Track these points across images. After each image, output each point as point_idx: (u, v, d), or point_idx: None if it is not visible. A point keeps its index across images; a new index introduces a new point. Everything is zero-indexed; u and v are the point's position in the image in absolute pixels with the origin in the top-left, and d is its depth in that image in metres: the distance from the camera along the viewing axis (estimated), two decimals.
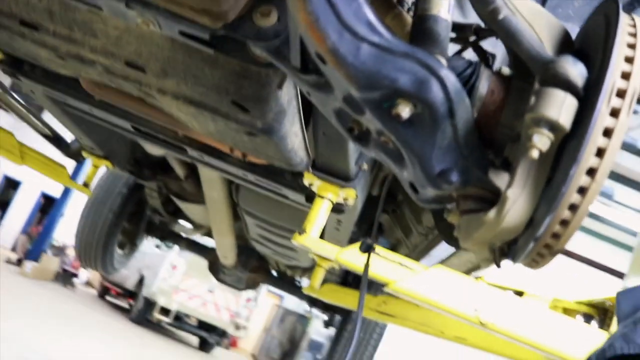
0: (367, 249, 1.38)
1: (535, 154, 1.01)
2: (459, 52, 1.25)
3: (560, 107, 1.00)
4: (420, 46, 1.10)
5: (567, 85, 1.01)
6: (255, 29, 1.39)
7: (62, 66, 2.16)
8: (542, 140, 1.00)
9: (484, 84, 1.15)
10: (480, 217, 1.09)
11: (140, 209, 6.58)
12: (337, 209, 2.66)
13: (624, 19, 1.06)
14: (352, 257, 2.26)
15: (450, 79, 1.05)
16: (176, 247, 10.47)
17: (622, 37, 1.03)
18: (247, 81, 1.66)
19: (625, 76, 1.01)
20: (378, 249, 2.42)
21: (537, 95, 1.02)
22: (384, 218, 4.14)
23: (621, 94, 1.01)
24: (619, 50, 1.02)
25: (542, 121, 1.01)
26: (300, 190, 2.66)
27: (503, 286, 2.65)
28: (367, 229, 3.84)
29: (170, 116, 2.38)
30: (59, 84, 2.68)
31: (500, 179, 1.08)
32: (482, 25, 1.39)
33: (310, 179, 2.44)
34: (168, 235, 7.22)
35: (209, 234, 7.20)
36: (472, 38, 1.35)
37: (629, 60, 1.03)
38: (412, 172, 1.15)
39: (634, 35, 1.06)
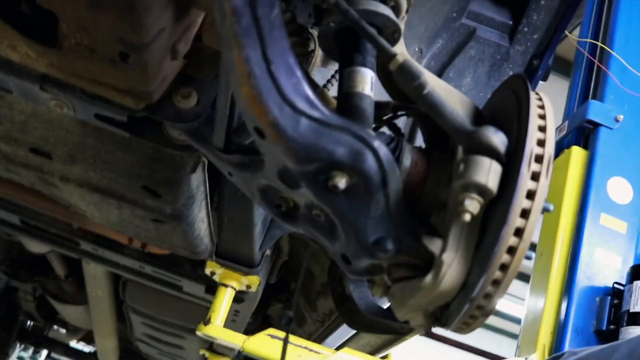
0: (288, 322, 1.37)
1: (467, 217, 1.06)
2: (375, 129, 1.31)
3: (488, 172, 1.07)
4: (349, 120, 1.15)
5: (491, 152, 1.09)
6: (174, 110, 1.40)
7: None
8: (472, 205, 1.06)
9: (407, 157, 1.20)
10: (415, 282, 1.12)
11: (12, 314, 6.21)
12: (238, 298, 2.64)
13: (532, 93, 1.17)
14: (259, 345, 2.24)
15: (383, 151, 1.10)
16: (42, 358, 9.89)
17: (534, 108, 1.12)
18: (161, 165, 1.66)
19: (541, 143, 1.10)
20: (283, 334, 2.41)
21: (465, 163, 1.09)
22: (273, 308, 4.13)
23: (539, 159, 1.09)
24: (534, 120, 1.11)
25: (472, 186, 1.07)
26: (200, 280, 2.63)
27: None
28: (262, 319, 3.80)
29: (66, 207, 2.32)
30: None
31: (432, 245, 1.12)
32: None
33: (212, 267, 2.42)
34: (42, 342, 6.82)
35: (84, 338, 6.87)
36: (386, 116, 1.43)
37: (542, 129, 1.12)
38: (345, 244, 1.18)
39: (542, 107, 1.16)
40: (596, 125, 4.19)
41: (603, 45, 4.40)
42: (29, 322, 6.70)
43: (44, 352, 8.70)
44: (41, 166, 1.86)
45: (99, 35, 1.16)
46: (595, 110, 4.21)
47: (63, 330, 6.86)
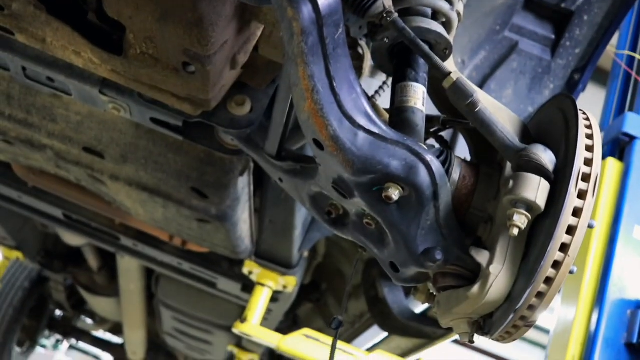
0: (338, 326, 1.42)
1: (515, 231, 1.10)
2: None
3: (536, 189, 1.11)
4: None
5: (540, 170, 1.13)
6: (229, 117, 1.45)
7: (2, 151, 2.14)
8: (521, 219, 1.10)
9: (457, 170, 1.24)
10: (462, 292, 1.17)
11: (43, 303, 6.32)
12: (273, 297, 2.69)
13: (579, 113, 1.20)
14: (294, 344, 2.29)
15: (436, 165, 1.14)
16: (64, 347, 10.02)
17: (582, 129, 1.16)
18: (211, 168, 1.71)
19: (588, 163, 1.14)
20: (317, 335, 2.46)
21: (514, 179, 1.13)
22: (302, 308, 4.18)
23: (585, 178, 1.13)
24: (582, 140, 1.14)
25: (521, 202, 1.11)
26: (236, 279, 2.68)
27: None
28: (293, 318, 3.86)
29: (110, 203, 2.38)
30: None
31: (480, 256, 1.16)
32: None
33: (250, 267, 2.47)
34: (71, 331, 6.94)
35: (112, 329, 6.97)
36: (434, 129, 1.47)
37: (589, 149, 1.15)
38: (395, 252, 1.22)
39: (590, 127, 1.19)
40: (632, 137, 4.18)
41: None
42: (57, 312, 6.81)
43: (65, 342, 8.84)
44: (92, 164, 1.92)
45: (164, 46, 1.21)
46: (632, 123, 4.19)
47: (89, 321, 6.97)
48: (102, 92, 1.48)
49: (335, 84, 1.06)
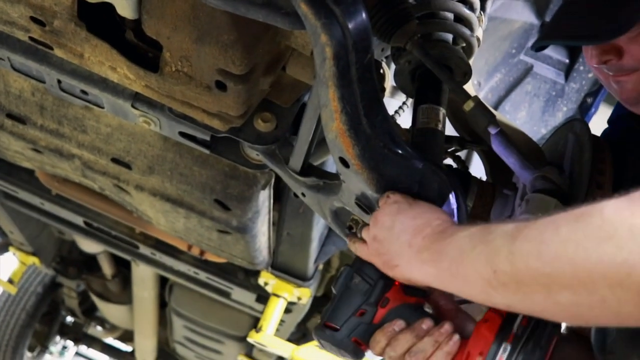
0: None
1: None
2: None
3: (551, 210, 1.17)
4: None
5: (554, 192, 1.19)
6: (255, 133, 1.51)
7: (29, 159, 2.20)
8: None
9: (474, 189, 1.31)
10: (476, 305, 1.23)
11: (55, 309, 6.37)
12: (286, 309, 2.74)
13: (592, 137, 1.26)
14: (308, 354, 2.34)
15: (454, 184, 1.20)
16: (70, 353, 10.05)
17: (595, 153, 1.22)
18: (235, 181, 1.77)
19: (600, 186, 1.20)
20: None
21: (530, 200, 1.19)
22: (312, 320, 4.21)
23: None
24: (594, 164, 1.20)
25: None
26: (251, 289, 2.73)
27: None
28: (304, 330, 3.89)
29: (130, 212, 2.45)
30: (11, 176, 2.68)
31: None
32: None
33: (266, 278, 2.53)
34: (82, 338, 6.98)
35: (121, 337, 7.01)
36: (451, 149, 1.53)
37: (602, 172, 1.21)
38: None
39: (602, 151, 1.25)
40: None
41: None
42: (68, 318, 6.86)
43: (71, 349, 8.88)
44: (119, 175, 1.98)
45: (199, 65, 1.27)
46: None
47: (99, 329, 7.01)
48: (134, 106, 1.54)
49: (363, 106, 1.12)
